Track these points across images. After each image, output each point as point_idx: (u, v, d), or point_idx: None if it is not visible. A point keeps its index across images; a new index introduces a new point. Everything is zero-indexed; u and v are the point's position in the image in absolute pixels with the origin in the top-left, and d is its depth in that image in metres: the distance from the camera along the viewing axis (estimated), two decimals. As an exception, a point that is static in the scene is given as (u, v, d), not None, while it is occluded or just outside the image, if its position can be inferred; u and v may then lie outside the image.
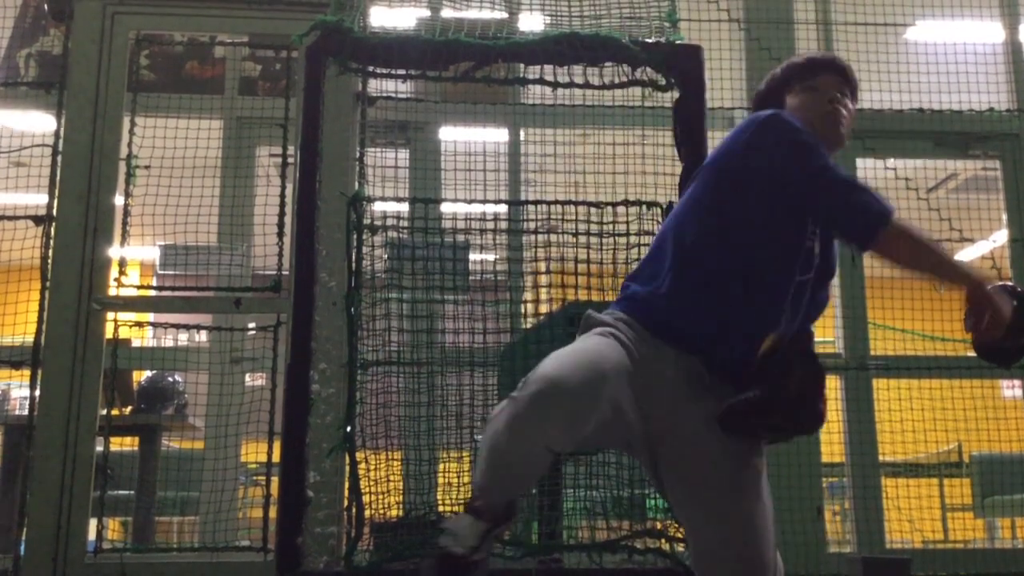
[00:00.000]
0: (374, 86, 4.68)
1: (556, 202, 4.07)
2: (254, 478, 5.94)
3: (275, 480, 4.07)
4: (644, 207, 4.02)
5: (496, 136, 5.41)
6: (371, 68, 3.24)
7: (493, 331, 4.09)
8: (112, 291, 4.44)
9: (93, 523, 4.36)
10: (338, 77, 3.35)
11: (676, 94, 3.14)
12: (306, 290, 3.00)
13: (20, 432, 4.44)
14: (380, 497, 3.83)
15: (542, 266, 4.39)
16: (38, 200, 4.44)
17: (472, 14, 3.48)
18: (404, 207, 4.57)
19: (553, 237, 4.09)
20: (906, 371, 5.41)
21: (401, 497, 4.06)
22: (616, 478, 3.90)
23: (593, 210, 4.06)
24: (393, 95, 4.80)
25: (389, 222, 4.09)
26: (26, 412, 4.31)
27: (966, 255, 6.60)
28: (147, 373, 5.41)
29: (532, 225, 4.17)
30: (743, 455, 2.31)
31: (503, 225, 4.31)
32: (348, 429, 3.63)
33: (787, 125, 2.40)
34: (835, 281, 5.33)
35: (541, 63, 3.11)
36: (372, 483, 3.81)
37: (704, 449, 2.29)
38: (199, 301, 4.79)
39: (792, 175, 2.35)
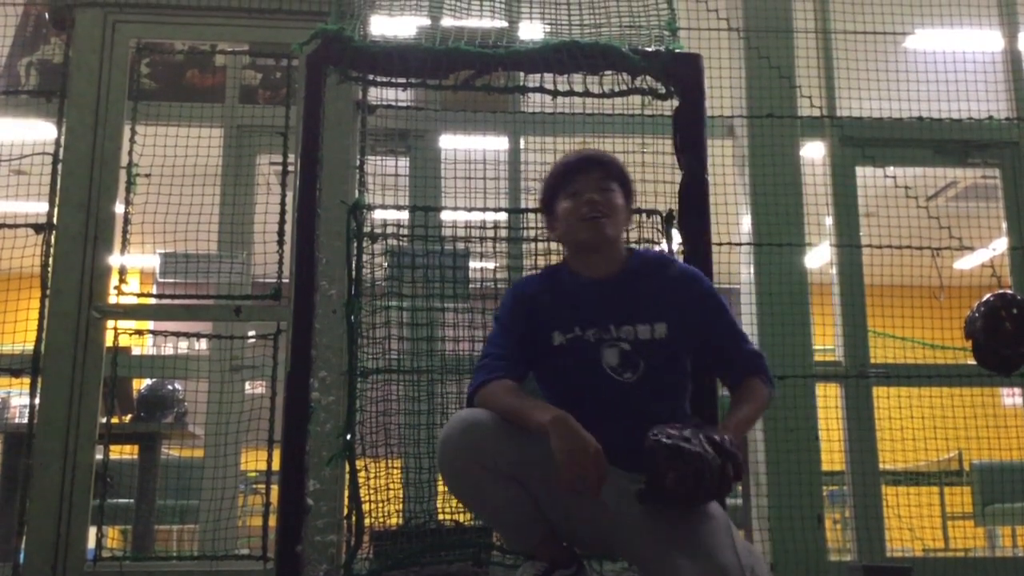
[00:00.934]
0: (374, 94, 4.69)
1: (556, 210, 4.05)
2: (254, 486, 5.94)
3: (275, 488, 4.07)
4: (644, 215, 4.02)
5: (496, 144, 5.41)
6: (371, 76, 3.23)
7: (493, 339, 4.07)
8: (112, 299, 4.44)
9: (93, 531, 4.36)
10: (338, 85, 3.34)
11: (676, 102, 3.14)
12: (306, 298, 2.99)
13: (20, 440, 4.44)
14: (380, 505, 3.82)
15: (542, 274, 4.37)
16: (38, 208, 4.45)
17: (472, 23, 3.48)
18: (404, 215, 4.58)
19: (553, 245, 4.08)
20: (906, 379, 5.42)
21: (401, 505, 4.06)
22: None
23: (593, 218, 4.04)
24: (393, 103, 4.81)
25: (389, 230, 4.09)
26: (26, 420, 4.31)
27: (966, 263, 6.61)
28: (147, 381, 5.40)
29: (532, 233, 4.17)
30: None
31: (503, 233, 4.31)
32: (348, 437, 3.62)
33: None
34: (835, 289, 5.39)
35: (541, 71, 3.11)
36: (372, 491, 3.80)
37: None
38: (199, 309, 4.79)
39: None
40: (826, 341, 5.53)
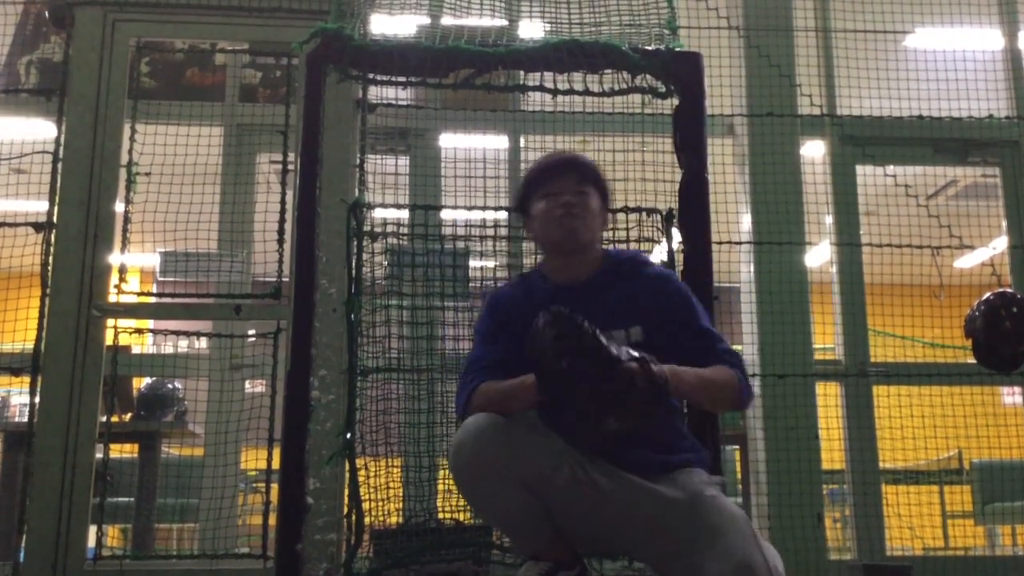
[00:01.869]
0: (374, 93, 4.68)
1: (556, 208, 4.05)
2: (254, 485, 5.93)
3: (275, 487, 4.06)
4: (644, 213, 4.03)
5: (496, 143, 5.41)
6: (371, 75, 3.24)
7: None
8: (112, 298, 4.44)
9: (93, 530, 4.35)
10: (338, 84, 3.34)
11: (676, 101, 3.14)
12: (306, 297, 2.99)
13: (20, 439, 4.44)
14: (380, 504, 3.82)
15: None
16: (38, 207, 4.45)
17: (472, 21, 3.48)
18: (404, 214, 4.58)
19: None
20: (906, 378, 5.41)
21: (401, 504, 4.06)
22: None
23: (593, 216, 4.04)
24: (393, 102, 4.81)
25: (389, 229, 4.09)
26: (26, 419, 4.31)
27: (966, 262, 6.61)
28: (147, 380, 5.40)
29: (532, 232, 4.17)
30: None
31: (503, 232, 4.31)
32: (348, 436, 3.63)
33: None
34: (835, 288, 5.39)
35: (541, 70, 3.11)
36: (372, 490, 3.81)
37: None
38: (199, 308, 4.79)
39: None
40: (826, 340, 5.53)
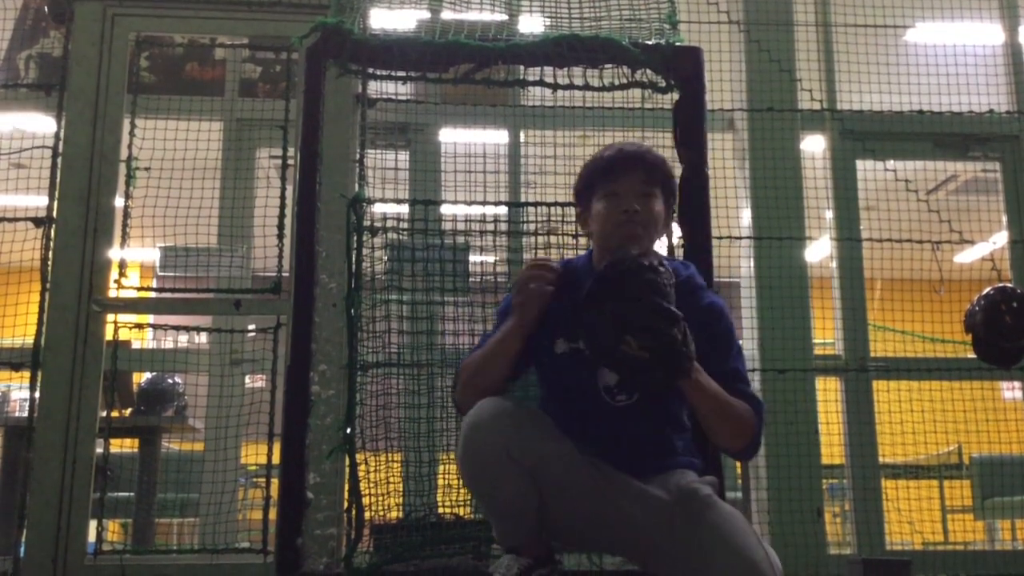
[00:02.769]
0: (374, 88, 4.68)
1: (556, 204, 4.06)
2: (254, 480, 5.94)
3: (275, 482, 4.07)
4: (644, 209, 4.01)
5: (496, 138, 5.41)
6: (371, 70, 3.23)
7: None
8: (112, 293, 4.44)
9: (93, 525, 4.36)
10: (338, 79, 3.34)
11: (676, 96, 3.13)
12: (306, 292, 2.99)
13: (20, 434, 4.44)
14: (380, 499, 3.82)
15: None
16: (38, 202, 4.45)
17: (472, 16, 3.48)
18: (404, 209, 4.57)
19: (553, 239, 4.08)
20: (906, 373, 5.41)
21: (401, 499, 4.06)
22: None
23: (593, 211, 4.04)
24: (393, 97, 4.80)
25: (389, 224, 4.09)
26: (26, 414, 4.31)
27: (966, 257, 6.61)
28: (147, 375, 5.41)
29: (532, 227, 4.17)
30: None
31: (503, 227, 4.31)
32: (348, 431, 3.63)
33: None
34: (835, 283, 5.39)
35: (541, 65, 3.10)
36: (372, 485, 3.81)
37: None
38: (199, 303, 4.79)
39: None
40: (826, 335, 5.53)
